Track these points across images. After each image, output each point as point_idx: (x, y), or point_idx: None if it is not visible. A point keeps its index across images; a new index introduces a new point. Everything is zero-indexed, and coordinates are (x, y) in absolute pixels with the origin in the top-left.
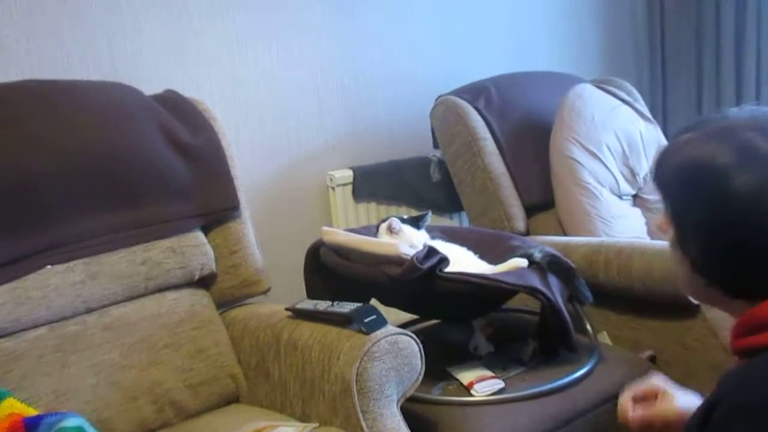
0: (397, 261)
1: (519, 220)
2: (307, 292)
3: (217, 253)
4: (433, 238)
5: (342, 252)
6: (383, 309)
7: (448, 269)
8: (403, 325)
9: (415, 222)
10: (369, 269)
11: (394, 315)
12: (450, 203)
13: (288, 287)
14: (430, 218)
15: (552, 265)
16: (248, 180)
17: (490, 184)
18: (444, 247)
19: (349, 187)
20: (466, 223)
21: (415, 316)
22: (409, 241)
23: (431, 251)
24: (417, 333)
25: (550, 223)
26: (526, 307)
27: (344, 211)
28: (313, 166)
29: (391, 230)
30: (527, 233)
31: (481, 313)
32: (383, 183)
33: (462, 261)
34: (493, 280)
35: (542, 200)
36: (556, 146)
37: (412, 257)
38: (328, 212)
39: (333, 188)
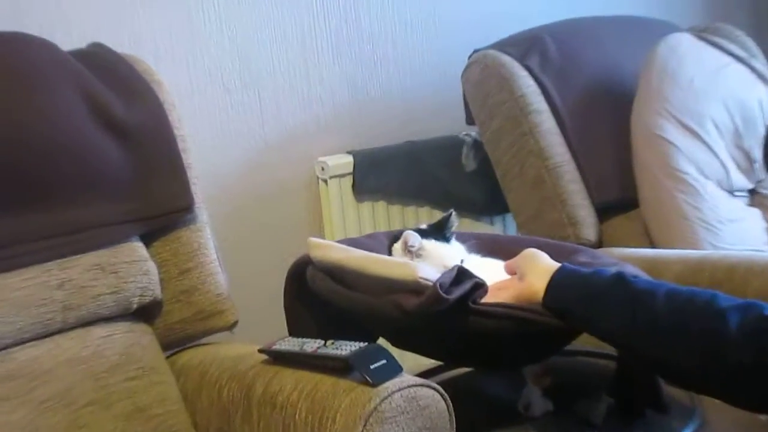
0: (415, 288)
1: (588, 226)
2: (288, 327)
3: (163, 273)
4: (467, 251)
5: (338, 274)
6: (396, 352)
7: (485, 299)
8: (425, 374)
9: (439, 231)
10: (376, 299)
11: (412, 360)
12: (490, 202)
13: (263, 321)
14: (457, 220)
15: None
16: (207, 170)
17: (546, 175)
18: (480, 265)
19: (348, 180)
20: (512, 231)
21: (440, 363)
22: (438, 261)
23: (462, 274)
24: (444, 385)
25: (632, 230)
26: (597, 349)
27: (341, 214)
28: (297, 150)
29: (408, 250)
30: (599, 244)
31: (533, 358)
32: (396, 174)
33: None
34: (548, 315)
35: (620, 198)
36: (640, 122)
37: (435, 283)
38: (317, 216)
39: (325, 181)
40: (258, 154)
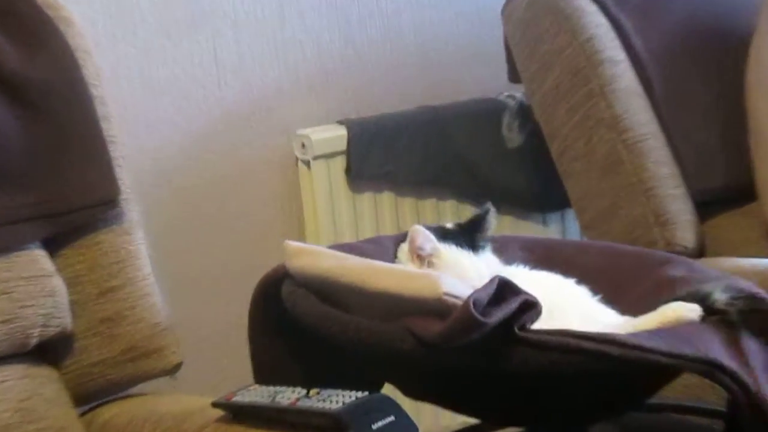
0: (438, 309)
1: (683, 225)
2: (254, 370)
3: (76, 294)
4: (507, 262)
5: (327, 291)
6: (410, 405)
7: (538, 324)
8: None
9: (467, 234)
10: (381, 326)
11: (432, 415)
12: (542, 192)
13: (218, 362)
14: (495, 219)
15: (752, 318)
16: (139, 148)
17: (624, 153)
18: (530, 280)
19: (340, 162)
20: (574, 233)
21: (474, 420)
22: (459, 271)
23: (504, 288)
24: None
25: (747, 231)
26: (697, 404)
27: (329, 210)
28: (267, 119)
29: (417, 254)
30: (700, 253)
31: (606, 411)
32: (408, 153)
33: (567, 309)
34: (631, 347)
35: (730, 186)
36: (762, 75)
37: (468, 301)
38: (296, 213)
39: (307, 163)
40: (212, 125)
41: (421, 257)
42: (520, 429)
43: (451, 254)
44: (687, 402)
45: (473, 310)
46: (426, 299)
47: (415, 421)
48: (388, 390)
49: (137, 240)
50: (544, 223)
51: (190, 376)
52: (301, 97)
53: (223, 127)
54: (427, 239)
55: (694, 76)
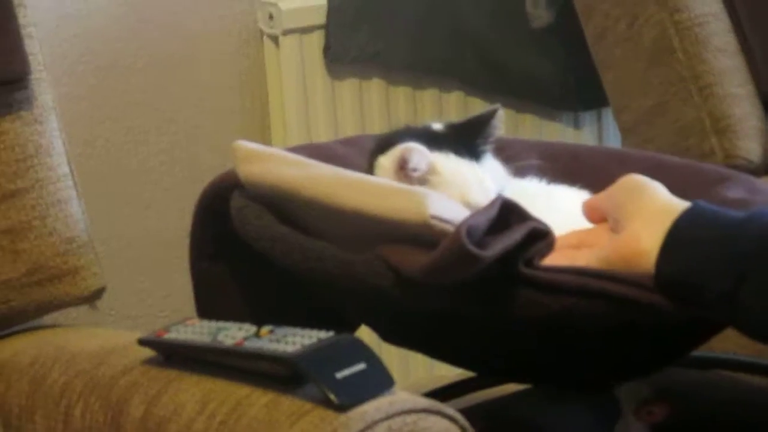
0: (424, 236)
1: (748, 134)
2: (196, 301)
3: None
4: (520, 174)
5: (286, 208)
6: (391, 352)
7: (550, 260)
8: (442, 393)
9: (467, 138)
10: (352, 255)
11: (421, 366)
12: (575, 85)
13: (149, 289)
14: (500, 123)
15: None
16: (57, 13)
17: (677, 38)
18: (547, 198)
19: (318, 37)
20: (613, 138)
21: (471, 373)
22: (459, 193)
23: (508, 212)
24: (472, 412)
25: None
26: (754, 358)
27: (302, 100)
28: None
29: (404, 170)
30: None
31: (636, 369)
32: (405, 28)
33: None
34: None
35: None
36: None
37: (461, 227)
38: (260, 103)
39: (275, 38)
40: None
41: (410, 177)
42: (524, 386)
43: (450, 166)
44: (744, 357)
45: (466, 240)
46: (408, 223)
47: (397, 371)
48: (364, 333)
49: (51, 131)
50: (576, 125)
51: (116, 305)
52: None
53: None
54: (422, 157)
55: None
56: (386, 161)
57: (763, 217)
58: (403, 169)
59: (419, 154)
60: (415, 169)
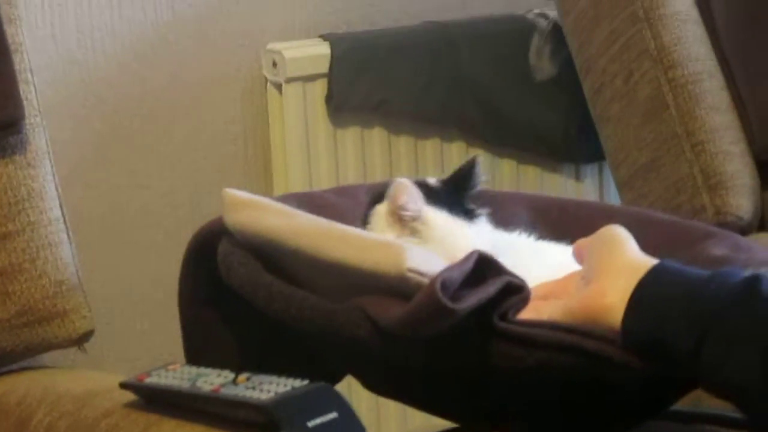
0: (401, 288)
1: (740, 191)
2: (185, 347)
3: None
4: (508, 227)
5: (273, 257)
6: (367, 400)
7: (527, 313)
8: None
9: (454, 192)
10: (330, 305)
11: (399, 414)
12: (576, 137)
13: (140, 334)
14: (483, 175)
15: None
16: (54, 58)
17: (671, 96)
18: (532, 253)
19: (321, 86)
20: (614, 192)
21: (451, 424)
22: (446, 248)
23: (484, 266)
24: None
25: None
26: (726, 412)
27: (304, 147)
28: (232, 29)
29: (399, 216)
30: (760, 227)
31: (611, 422)
32: (408, 79)
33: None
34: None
35: None
36: None
37: (436, 280)
38: (262, 150)
39: (279, 86)
40: (158, 32)
41: (402, 219)
42: None
43: (441, 221)
44: (715, 411)
45: (440, 293)
46: (387, 275)
47: (378, 421)
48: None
49: (44, 175)
50: (578, 177)
51: (103, 351)
52: (276, 2)
53: (172, 37)
54: (413, 197)
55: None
56: (381, 208)
57: (726, 276)
58: (395, 208)
59: (409, 191)
60: (404, 208)
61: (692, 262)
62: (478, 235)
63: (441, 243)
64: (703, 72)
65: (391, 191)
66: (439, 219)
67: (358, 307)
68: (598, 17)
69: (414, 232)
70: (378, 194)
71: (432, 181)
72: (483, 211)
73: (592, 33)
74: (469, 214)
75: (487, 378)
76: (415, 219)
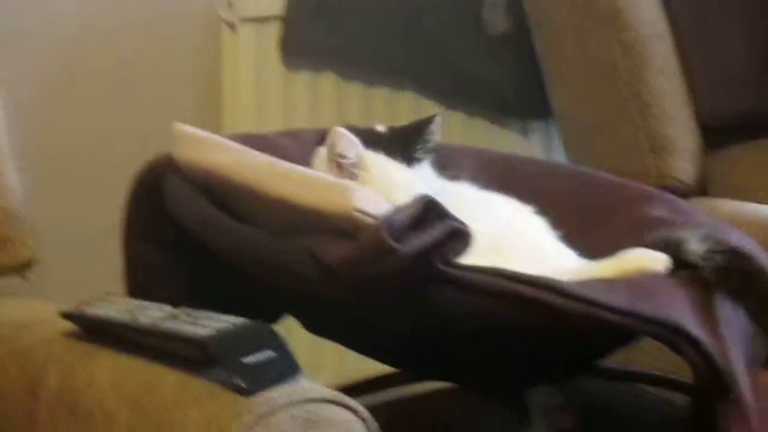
0: (347, 228)
1: (683, 155)
2: (127, 280)
3: None
4: (455, 178)
5: (219, 193)
6: (304, 344)
7: (471, 259)
8: (359, 388)
9: (403, 141)
10: (278, 243)
11: (347, 360)
12: (528, 94)
13: (85, 266)
14: (439, 131)
15: (730, 277)
16: None
17: (621, 56)
18: (475, 202)
19: (275, 28)
20: (560, 150)
21: (390, 369)
22: (386, 186)
23: (430, 210)
24: (381, 408)
25: (764, 170)
26: (657, 373)
27: (255, 90)
28: None
29: (337, 160)
30: (701, 192)
31: (545, 374)
32: (364, 27)
33: (515, 243)
34: (575, 298)
35: (749, 111)
36: None
37: (381, 222)
38: (213, 92)
39: (232, 25)
40: None
41: (341, 166)
42: (438, 384)
43: (379, 165)
44: (651, 371)
45: (386, 234)
46: (333, 214)
47: (315, 365)
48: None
49: None
50: (525, 133)
51: (46, 280)
52: None
53: None
54: (351, 144)
55: None
56: (323, 150)
57: None
58: (333, 154)
59: (348, 140)
60: (342, 155)
61: (632, 222)
62: (418, 180)
63: (378, 185)
64: (653, 35)
65: (329, 139)
66: (376, 163)
67: (302, 244)
68: None
69: (352, 177)
70: (322, 137)
71: (380, 127)
72: (425, 157)
73: None
74: (409, 160)
75: (427, 323)
76: (353, 164)
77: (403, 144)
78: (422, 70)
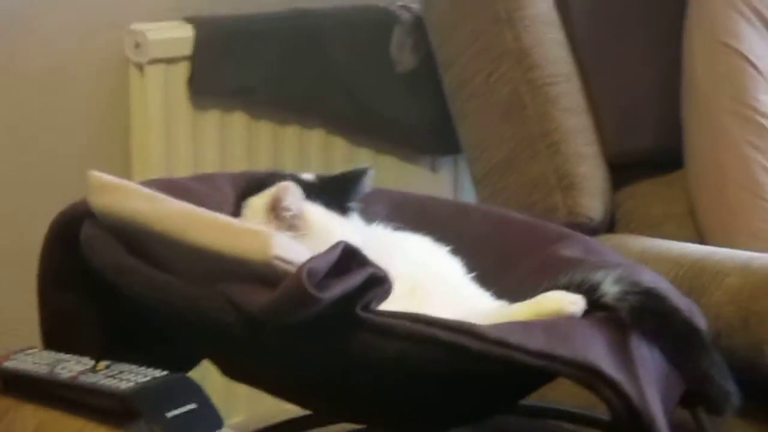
0: (265, 275)
1: (592, 192)
2: (42, 330)
3: None
4: (369, 221)
5: (136, 240)
6: (228, 390)
7: (389, 304)
8: (274, 430)
9: (338, 193)
10: (198, 290)
11: (253, 401)
12: (434, 130)
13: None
14: (372, 181)
15: (643, 317)
16: None
17: (529, 97)
18: (391, 245)
19: (184, 69)
20: (469, 186)
21: (307, 412)
22: (327, 238)
23: (349, 256)
24: None
25: (670, 204)
26: (573, 410)
27: (163, 127)
28: (94, 6)
29: (277, 209)
30: (609, 228)
31: (464, 415)
32: (272, 65)
33: (431, 286)
34: (493, 341)
35: (654, 148)
36: (701, 23)
37: (300, 269)
38: (120, 133)
39: (140, 67)
40: (15, 6)
41: (282, 218)
42: (360, 427)
43: (320, 217)
44: (570, 408)
45: (306, 282)
46: (253, 261)
47: (231, 407)
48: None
49: None
50: (434, 169)
51: None
52: None
53: (32, 12)
54: (296, 198)
55: (625, 11)
56: (259, 201)
57: None
58: (275, 209)
59: (294, 194)
60: (288, 210)
61: (547, 262)
62: (353, 229)
63: (319, 237)
64: (560, 74)
65: (274, 191)
66: (317, 215)
67: (222, 292)
68: (461, 15)
69: (292, 228)
70: (249, 186)
71: (306, 176)
72: (355, 206)
73: (454, 30)
74: (343, 210)
75: (348, 367)
76: (295, 218)
77: (337, 195)
78: (331, 107)
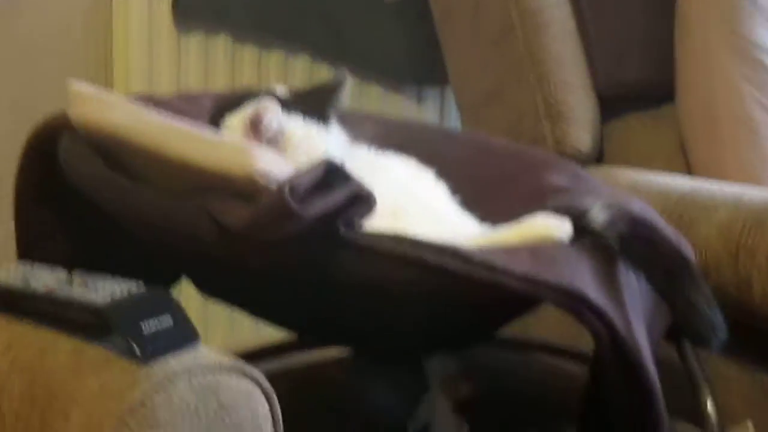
0: (247, 190)
1: (580, 123)
2: (18, 243)
3: None
4: (350, 144)
5: (116, 153)
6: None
7: (374, 225)
8: (256, 354)
9: (314, 105)
10: (176, 204)
11: (233, 324)
12: (420, 61)
13: None
14: (348, 94)
15: (632, 245)
16: None
17: (519, 23)
18: (376, 167)
19: None
20: (454, 116)
21: (284, 335)
22: (310, 152)
23: (333, 173)
24: (280, 375)
25: (659, 138)
26: (555, 343)
27: (146, 54)
28: None
29: (256, 128)
30: (597, 160)
31: (446, 341)
32: None
33: (415, 208)
34: (477, 264)
35: (645, 82)
36: None
37: (283, 185)
38: (105, 46)
39: None
40: None
41: (260, 135)
42: (338, 350)
43: (301, 131)
44: (545, 341)
45: (288, 197)
46: (234, 176)
47: (206, 329)
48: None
49: None
50: (419, 99)
51: None
52: None
53: None
54: (276, 116)
55: None
56: (236, 120)
57: None
58: (255, 127)
59: (274, 112)
60: (267, 128)
61: (533, 189)
62: (335, 144)
63: (300, 151)
64: (552, 2)
65: (253, 109)
66: (296, 128)
67: (202, 207)
68: None
69: (272, 144)
70: (227, 103)
71: (280, 90)
72: (334, 119)
73: None
74: (322, 122)
75: (327, 287)
76: (275, 136)
77: (314, 107)
78: (315, 35)
